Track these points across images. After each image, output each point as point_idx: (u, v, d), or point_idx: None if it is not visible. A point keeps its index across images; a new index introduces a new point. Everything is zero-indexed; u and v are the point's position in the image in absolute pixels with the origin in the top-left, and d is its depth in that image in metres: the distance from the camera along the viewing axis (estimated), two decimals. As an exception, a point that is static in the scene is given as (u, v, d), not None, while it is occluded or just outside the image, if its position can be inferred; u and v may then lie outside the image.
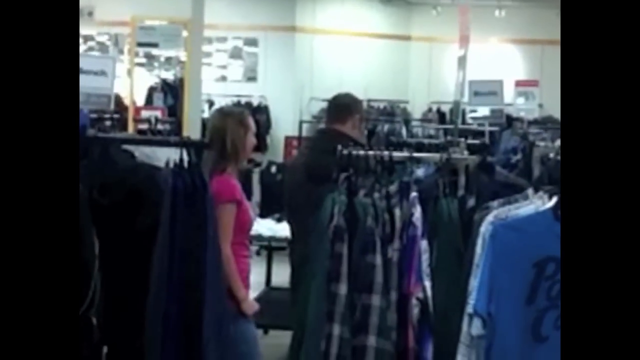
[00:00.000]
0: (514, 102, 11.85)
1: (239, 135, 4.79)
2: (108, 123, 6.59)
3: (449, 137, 8.65)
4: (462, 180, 4.05)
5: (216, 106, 15.34)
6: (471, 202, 3.95)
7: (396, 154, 4.15)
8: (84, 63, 6.10)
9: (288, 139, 15.77)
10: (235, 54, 16.69)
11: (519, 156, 5.31)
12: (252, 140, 4.87)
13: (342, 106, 5.48)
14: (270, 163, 12.32)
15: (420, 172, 4.29)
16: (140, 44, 10.17)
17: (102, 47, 16.09)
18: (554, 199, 3.53)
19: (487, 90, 9.81)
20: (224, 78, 16.61)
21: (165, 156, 3.94)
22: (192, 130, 9.42)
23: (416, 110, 17.01)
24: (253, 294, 5.09)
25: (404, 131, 12.49)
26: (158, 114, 9.11)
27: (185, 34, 9.96)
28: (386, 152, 4.10)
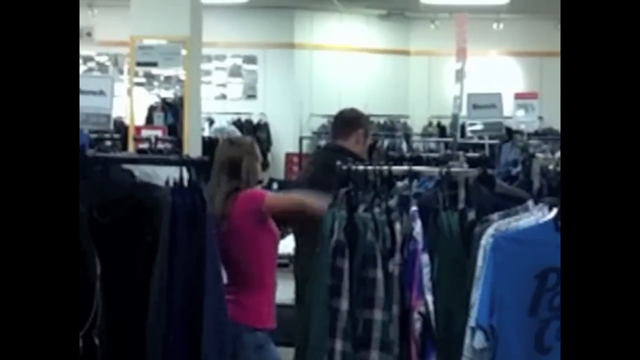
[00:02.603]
0: (513, 114, 11.85)
1: (252, 165, 4.81)
2: (108, 143, 6.59)
3: (448, 151, 8.65)
4: (462, 193, 4.04)
5: (216, 124, 15.44)
6: (471, 215, 3.94)
7: (395, 169, 4.15)
8: (83, 83, 6.12)
9: (289, 156, 15.80)
10: (235, 71, 16.74)
11: (519, 168, 5.30)
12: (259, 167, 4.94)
13: (345, 121, 5.51)
14: (272, 180, 12.33)
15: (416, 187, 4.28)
16: (139, 64, 10.20)
17: (102, 67, 16.17)
18: (554, 210, 3.53)
19: (486, 103, 9.81)
20: (223, 96, 16.66)
21: (165, 175, 3.95)
22: (192, 148, 9.42)
23: (416, 125, 17.05)
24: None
25: (404, 146, 12.49)
26: (158, 133, 9.13)
27: (184, 52, 9.98)
28: (385, 167, 4.10)
